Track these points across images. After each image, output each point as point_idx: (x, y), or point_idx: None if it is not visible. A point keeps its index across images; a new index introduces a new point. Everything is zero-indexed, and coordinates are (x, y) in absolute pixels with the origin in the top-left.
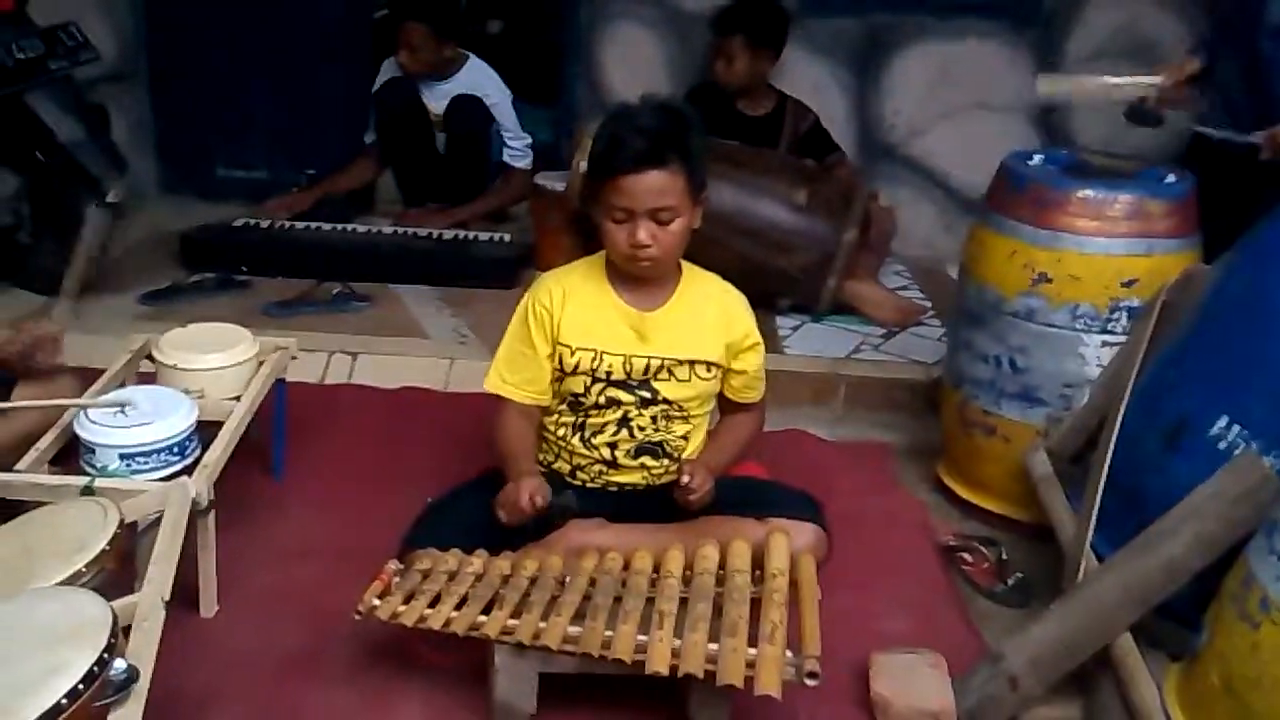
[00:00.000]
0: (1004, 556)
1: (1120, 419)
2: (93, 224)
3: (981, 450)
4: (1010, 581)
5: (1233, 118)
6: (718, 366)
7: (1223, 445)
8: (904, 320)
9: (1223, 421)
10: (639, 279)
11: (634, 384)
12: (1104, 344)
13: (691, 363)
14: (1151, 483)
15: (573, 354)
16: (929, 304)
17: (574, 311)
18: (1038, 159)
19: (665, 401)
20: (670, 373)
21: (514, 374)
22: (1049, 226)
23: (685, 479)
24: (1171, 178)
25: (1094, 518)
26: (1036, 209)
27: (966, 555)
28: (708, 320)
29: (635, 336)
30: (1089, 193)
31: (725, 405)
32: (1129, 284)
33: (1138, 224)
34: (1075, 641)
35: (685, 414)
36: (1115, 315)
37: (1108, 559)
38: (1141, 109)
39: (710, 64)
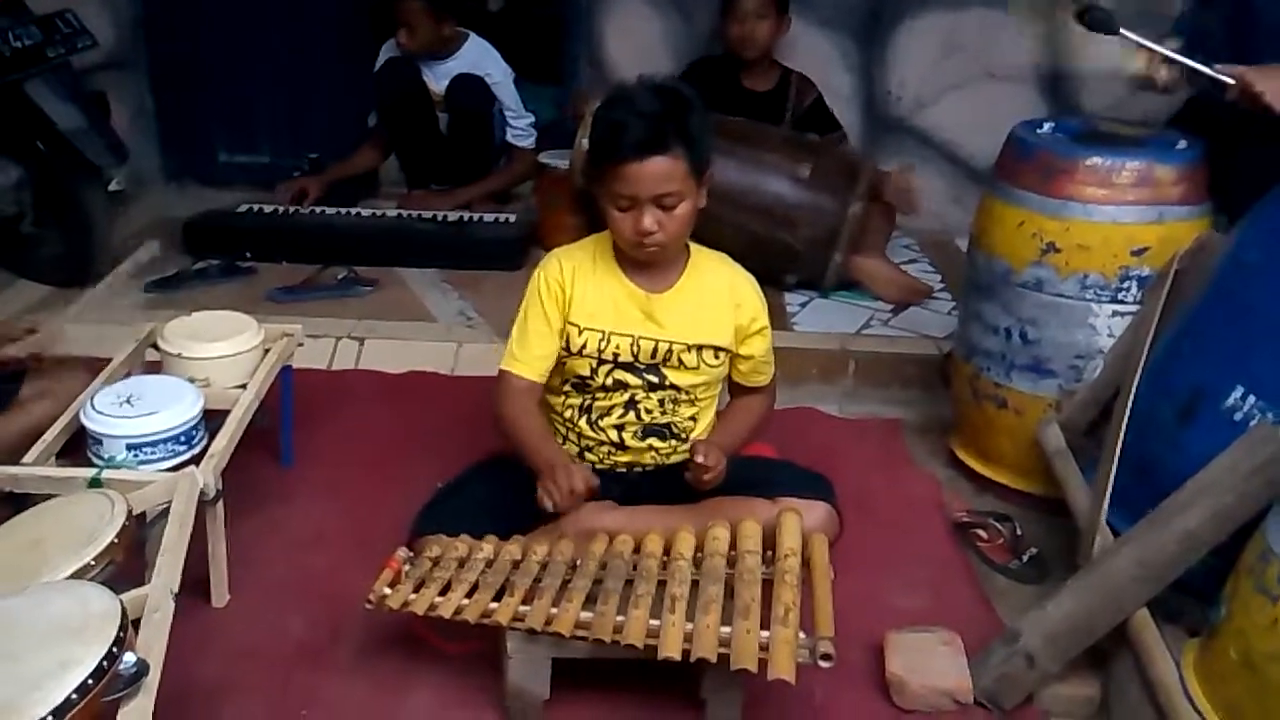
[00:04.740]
0: (1018, 532)
1: (1133, 391)
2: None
3: (993, 423)
4: (1025, 557)
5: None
6: (726, 351)
7: (1238, 416)
8: (910, 299)
9: (1238, 392)
10: (647, 261)
11: (641, 367)
12: (1114, 314)
13: (700, 347)
14: (1166, 456)
15: (580, 334)
16: (934, 283)
17: (583, 290)
18: (1047, 127)
19: (673, 387)
20: (680, 360)
21: (527, 350)
22: (1057, 195)
23: (700, 457)
24: (1182, 144)
25: (1108, 492)
26: (1044, 177)
27: (980, 531)
28: (717, 303)
29: (644, 318)
30: (1097, 160)
31: (735, 389)
32: (1139, 253)
33: (1147, 191)
34: (1091, 618)
35: (692, 398)
36: (1125, 285)
37: (1123, 534)
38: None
39: (725, 31)
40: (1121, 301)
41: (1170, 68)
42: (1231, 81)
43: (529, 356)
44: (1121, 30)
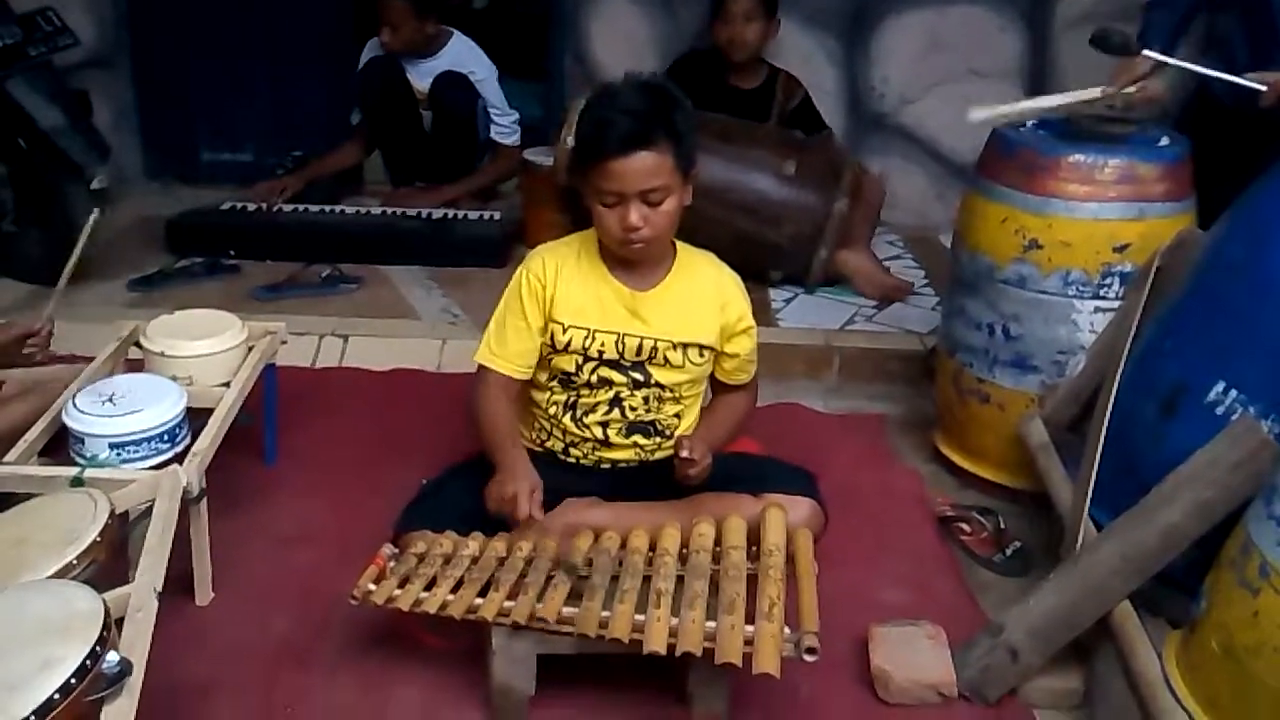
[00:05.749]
0: (1002, 526)
1: (1115, 386)
2: (85, 212)
3: (977, 418)
4: (1008, 551)
5: (1230, 67)
6: (711, 349)
7: (1220, 411)
8: (889, 298)
9: (1219, 387)
10: (633, 258)
11: (626, 364)
12: (1096, 310)
13: (685, 346)
14: (1148, 450)
15: (565, 331)
16: (915, 281)
17: (567, 288)
18: (1029, 124)
19: (658, 385)
20: (665, 358)
21: (504, 347)
22: (1039, 192)
23: (685, 451)
24: (1165, 140)
25: (1091, 486)
26: (1027, 174)
27: (964, 525)
28: (702, 301)
29: (629, 315)
30: (1079, 157)
31: (717, 386)
32: (1121, 249)
33: (1129, 188)
34: (1074, 611)
35: (677, 396)
36: (1107, 281)
37: (1105, 527)
38: (1105, 33)
39: (714, 33)
40: (1103, 298)
41: (1161, 80)
42: (1264, 89)
43: (506, 353)
44: (1145, 51)
